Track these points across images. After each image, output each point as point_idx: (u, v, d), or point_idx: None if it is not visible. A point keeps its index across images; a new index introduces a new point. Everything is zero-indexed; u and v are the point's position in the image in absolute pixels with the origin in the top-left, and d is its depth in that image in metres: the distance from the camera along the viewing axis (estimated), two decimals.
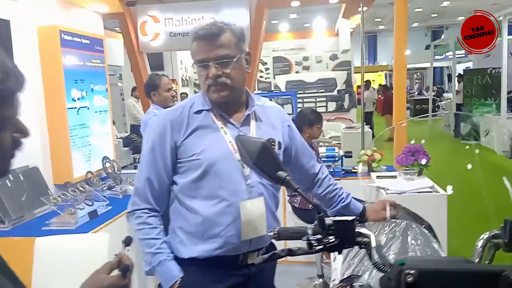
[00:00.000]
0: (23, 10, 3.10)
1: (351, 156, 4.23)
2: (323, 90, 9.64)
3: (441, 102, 17.49)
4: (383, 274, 0.96)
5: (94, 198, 3.05)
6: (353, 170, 4.01)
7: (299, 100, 8.42)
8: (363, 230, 1.07)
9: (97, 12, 4.18)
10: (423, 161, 3.26)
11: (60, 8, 3.56)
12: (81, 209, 2.83)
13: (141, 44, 5.50)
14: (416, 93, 21.26)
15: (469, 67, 15.47)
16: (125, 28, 5.36)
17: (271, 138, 1.58)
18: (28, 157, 3.02)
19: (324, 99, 9.50)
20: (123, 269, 0.95)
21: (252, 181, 1.52)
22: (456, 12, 16.01)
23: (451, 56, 14.66)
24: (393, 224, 1.60)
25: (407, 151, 3.34)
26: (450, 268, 0.86)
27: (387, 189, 3.07)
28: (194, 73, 10.46)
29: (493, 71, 10.91)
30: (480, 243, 1.09)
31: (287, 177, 1.14)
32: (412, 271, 0.82)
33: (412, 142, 3.45)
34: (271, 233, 1.14)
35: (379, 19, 17.89)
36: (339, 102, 9.53)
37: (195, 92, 10.44)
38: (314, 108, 3.96)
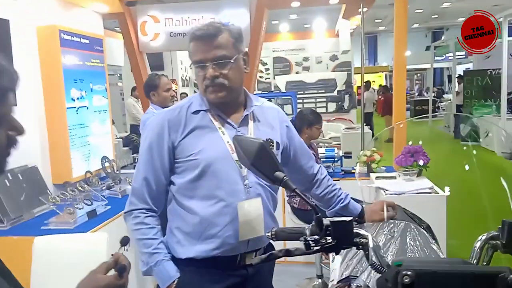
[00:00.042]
0: (23, 10, 3.09)
1: (350, 157, 4.23)
2: (323, 91, 9.63)
3: (441, 103, 17.49)
4: (380, 275, 0.96)
5: (93, 197, 3.05)
6: (352, 171, 4.02)
7: (299, 101, 8.42)
8: (361, 231, 1.07)
9: (97, 12, 4.18)
10: (421, 162, 3.26)
11: (59, 8, 3.55)
12: (80, 209, 2.83)
13: (141, 44, 5.50)
14: (416, 94, 21.26)
15: (469, 68, 15.48)
16: (125, 28, 5.36)
17: (269, 139, 1.58)
18: (27, 157, 3.02)
19: (324, 99, 9.49)
20: (120, 269, 0.95)
21: (249, 181, 1.52)
22: (456, 13, 16.01)
23: (451, 57, 14.67)
24: (392, 225, 1.60)
25: (407, 152, 3.34)
26: (447, 270, 0.86)
27: (386, 190, 3.07)
28: None
29: (493, 72, 10.92)
30: (478, 244, 1.09)
31: (284, 178, 1.14)
32: (409, 272, 0.82)
33: (410, 143, 3.45)
34: (269, 234, 1.14)
35: (380, 20, 17.89)
36: (339, 102, 9.53)
37: (195, 92, 10.42)
38: (313, 109, 3.95)
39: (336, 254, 1.08)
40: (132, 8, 5.37)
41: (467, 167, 1.24)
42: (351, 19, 7.86)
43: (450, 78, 19.42)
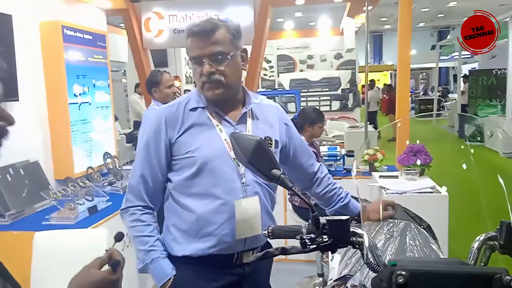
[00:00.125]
0: (26, 5, 3.10)
1: (353, 155, 4.22)
2: (327, 89, 9.62)
3: (446, 103, 17.41)
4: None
5: (95, 193, 3.06)
6: (356, 170, 4.00)
7: (303, 99, 8.41)
8: (357, 230, 1.06)
9: (100, 8, 4.18)
10: (418, 162, 3.24)
11: (63, 3, 3.56)
12: (81, 205, 2.83)
13: (145, 41, 5.50)
14: (421, 93, 21.17)
15: (475, 67, 15.38)
16: (129, 24, 5.37)
17: (267, 137, 1.57)
18: (29, 152, 3.03)
19: (328, 98, 9.48)
20: (114, 264, 0.95)
21: (247, 179, 1.50)
22: (462, 12, 15.89)
23: (457, 57, 14.60)
24: (391, 224, 1.59)
25: (409, 151, 3.32)
26: (442, 270, 0.85)
27: (387, 189, 3.06)
28: None
29: (499, 72, 10.86)
30: (475, 245, 1.08)
31: (281, 175, 1.13)
32: (403, 272, 0.81)
33: (407, 142, 3.43)
34: (265, 231, 1.13)
35: (385, 19, 17.81)
36: (343, 101, 9.51)
37: None
38: (316, 107, 3.94)
39: (333, 253, 1.07)
40: (136, 4, 5.37)
41: (464, 166, 1.23)
42: (356, 17, 7.84)
43: (455, 77, 19.33)
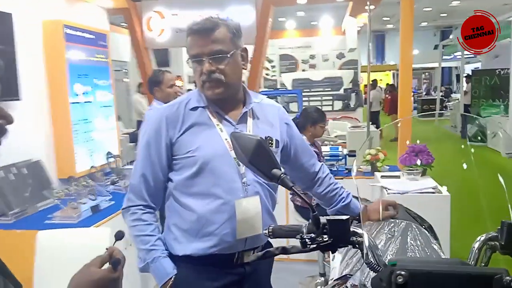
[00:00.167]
0: (28, 4, 3.11)
1: (355, 155, 4.22)
2: (329, 89, 9.61)
3: (449, 103, 17.37)
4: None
5: (97, 192, 3.07)
6: (358, 169, 3.99)
7: (305, 99, 8.40)
8: (357, 230, 1.06)
9: (102, 7, 4.19)
10: (418, 162, 3.24)
11: (64, 2, 3.57)
12: (83, 204, 2.84)
13: (146, 40, 5.51)
14: (424, 93, 21.11)
15: (478, 67, 15.34)
16: (130, 23, 5.38)
17: (268, 136, 1.57)
18: (31, 151, 3.04)
19: (331, 97, 9.48)
20: (114, 262, 0.95)
21: (247, 179, 1.50)
22: (465, 12, 15.80)
23: (460, 56, 14.56)
24: (392, 224, 1.59)
25: (411, 151, 3.32)
26: (442, 270, 0.85)
27: (389, 189, 3.06)
28: None
29: (502, 72, 10.82)
30: (476, 245, 1.08)
31: (281, 175, 1.13)
32: (402, 272, 0.81)
33: (407, 142, 3.43)
34: (266, 231, 1.14)
35: (387, 18, 17.77)
36: (346, 101, 9.50)
37: None
38: (318, 107, 3.94)
39: (333, 253, 1.08)
40: (138, 3, 5.38)
41: (465, 166, 1.23)
42: (358, 16, 7.84)
43: (458, 77, 19.28)
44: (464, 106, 12.11)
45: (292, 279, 3.58)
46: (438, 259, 1.28)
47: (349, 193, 1.78)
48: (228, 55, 1.47)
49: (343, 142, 6.33)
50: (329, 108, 9.11)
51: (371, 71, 5.61)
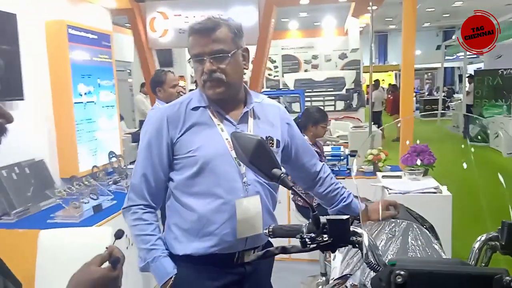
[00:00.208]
0: (31, 5, 3.12)
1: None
2: (331, 89, 9.61)
3: (452, 103, 17.33)
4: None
5: (99, 192, 3.07)
6: (359, 169, 3.99)
7: (307, 99, 8.40)
8: (357, 230, 1.07)
9: (105, 7, 4.20)
10: (418, 162, 3.24)
11: (68, 3, 3.58)
12: (86, 203, 2.85)
13: (150, 40, 5.53)
14: (426, 93, 21.07)
15: (480, 68, 15.30)
16: (134, 24, 5.39)
17: (269, 136, 1.57)
18: (34, 151, 3.05)
19: (333, 98, 9.47)
20: (113, 261, 0.96)
21: (248, 179, 1.51)
22: (468, 12, 15.69)
23: (462, 57, 14.52)
24: (393, 224, 1.59)
25: (413, 151, 3.32)
26: (441, 270, 0.85)
27: (390, 189, 3.06)
28: None
29: (504, 72, 10.78)
30: (476, 245, 1.08)
31: (282, 175, 1.13)
32: (402, 272, 0.82)
33: (407, 142, 3.43)
34: (266, 230, 1.14)
35: (390, 19, 17.75)
36: (348, 101, 9.50)
37: None
38: (320, 107, 3.94)
39: (333, 252, 1.08)
40: (141, 4, 5.39)
41: (465, 165, 1.23)
42: (360, 17, 7.84)
43: (460, 77, 19.24)
44: (467, 106, 12.08)
45: (294, 279, 3.59)
46: (437, 259, 1.28)
47: (350, 193, 1.78)
48: (229, 55, 1.47)
49: (345, 142, 6.34)
50: (331, 108, 9.11)
51: (373, 72, 5.61)
